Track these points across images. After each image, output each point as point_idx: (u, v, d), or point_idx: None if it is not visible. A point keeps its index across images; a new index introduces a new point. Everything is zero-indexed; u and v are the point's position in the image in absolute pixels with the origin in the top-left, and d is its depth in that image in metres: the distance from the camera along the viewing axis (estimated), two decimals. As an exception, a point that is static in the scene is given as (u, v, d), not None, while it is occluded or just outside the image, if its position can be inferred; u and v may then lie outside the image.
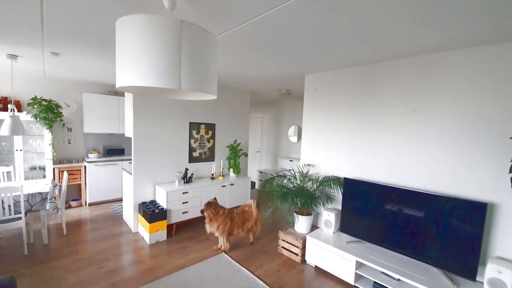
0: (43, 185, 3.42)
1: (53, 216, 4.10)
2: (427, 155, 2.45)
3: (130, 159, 5.07)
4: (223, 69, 3.36)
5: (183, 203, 3.68)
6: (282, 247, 3.19)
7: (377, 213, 2.65)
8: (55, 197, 3.89)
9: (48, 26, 2.15)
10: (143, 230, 3.50)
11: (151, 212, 3.30)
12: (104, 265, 2.82)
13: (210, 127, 4.48)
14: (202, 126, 4.36)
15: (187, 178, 3.99)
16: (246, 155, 4.63)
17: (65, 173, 3.71)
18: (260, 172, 6.59)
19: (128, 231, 3.69)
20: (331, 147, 3.29)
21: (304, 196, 2.88)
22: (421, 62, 2.47)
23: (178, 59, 1.25)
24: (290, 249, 3.09)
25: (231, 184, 4.33)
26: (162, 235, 3.45)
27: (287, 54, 2.64)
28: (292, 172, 3.39)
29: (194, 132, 4.25)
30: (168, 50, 1.23)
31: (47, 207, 3.13)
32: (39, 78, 4.49)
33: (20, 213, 2.89)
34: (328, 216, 2.98)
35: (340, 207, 3.08)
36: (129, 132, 3.85)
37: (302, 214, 3.07)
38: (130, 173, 3.68)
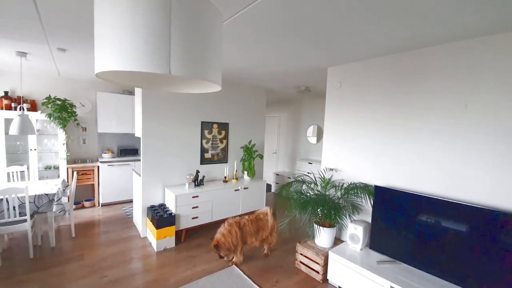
0: (52, 186, 3.32)
1: (66, 217, 4.04)
2: (485, 162, 1.99)
3: (143, 160, 4.94)
4: (234, 63, 3.07)
5: (193, 208, 3.43)
6: (300, 262, 2.83)
7: (418, 229, 2.21)
8: (68, 198, 3.83)
9: (45, 16, 1.98)
10: (151, 235, 3.30)
11: (159, 217, 3.08)
12: (107, 274, 2.62)
13: (223, 126, 4.21)
14: (215, 126, 4.10)
15: (198, 181, 3.75)
16: (261, 157, 4.31)
17: (75, 174, 3.61)
18: (277, 174, 6.24)
19: (137, 236, 3.51)
20: (357, 149, 2.88)
21: (327, 206, 2.50)
22: (477, 46, 2.01)
23: (166, 35, 0.96)
24: (310, 265, 2.72)
25: (245, 188, 4.03)
26: (170, 241, 3.22)
27: (307, 42, 2.28)
28: (312, 176, 3.01)
29: (206, 132, 4.00)
30: (152, 24, 0.94)
31: (54, 209, 3.01)
32: (54, 78, 4.48)
33: (25, 215, 2.78)
34: (355, 230, 2.58)
35: (369, 219, 2.66)
36: (138, 131, 3.68)
37: (323, 226, 2.69)
38: (139, 174, 3.50)
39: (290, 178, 5.81)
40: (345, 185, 2.80)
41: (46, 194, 3.00)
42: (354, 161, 2.91)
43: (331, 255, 2.54)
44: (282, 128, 6.80)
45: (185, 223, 3.38)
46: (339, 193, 2.78)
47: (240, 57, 2.85)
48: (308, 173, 3.17)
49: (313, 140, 5.90)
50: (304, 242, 2.88)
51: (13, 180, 3.66)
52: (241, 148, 4.42)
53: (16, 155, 4.13)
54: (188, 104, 3.75)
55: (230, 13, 1.81)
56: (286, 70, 3.34)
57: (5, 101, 3.86)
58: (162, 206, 3.46)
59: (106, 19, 0.95)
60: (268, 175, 6.64)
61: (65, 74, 4.32)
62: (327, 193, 2.84)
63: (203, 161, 4.01)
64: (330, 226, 2.72)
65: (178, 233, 3.34)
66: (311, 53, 2.63)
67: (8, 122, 3.81)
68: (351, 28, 1.97)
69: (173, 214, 3.21)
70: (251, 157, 4.24)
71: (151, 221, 3.28)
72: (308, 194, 2.85)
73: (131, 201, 4.91)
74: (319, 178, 2.97)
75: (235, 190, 3.91)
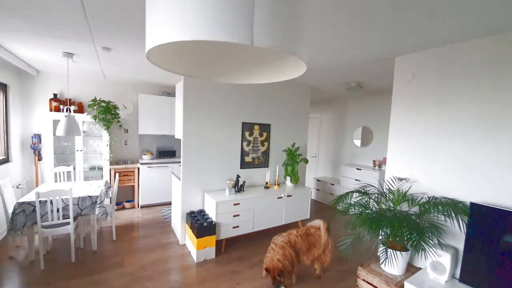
0: (95, 187, 3.29)
1: (108, 219, 4.04)
2: None
3: (180, 162, 4.83)
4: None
5: (234, 216, 3.14)
6: (363, 289, 2.36)
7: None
8: (110, 199, 3.81)
9: (90, 11, 1.84)
10: (190, 244, 3.08)
11: (199, 225, 2.84)
12: (147, 285, 2.43)
13: (265, 128, 3.89)
14: (256, 127, 3.80)
15: (238, 187, 3.46)
16: (306, 161, 3.90)
17: (117, 176, 3.56)
18: (318, 180, 5.74)
19: (175, 243, 3.32)
20: (437, 156, 2.33)
21: (407, 225, 1.99)
22: None
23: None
24: (377, 296, 2.24)
25: (288, 196, 3.65)
26: (211, 252, 2.96)
27: (370, 23, 1.85)
28: (378, 188, 2.53)
29: (247, 133, 3.71)
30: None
31: (96, 212, 2.94)
32: (100, 81, 4.58)
33: (69, 218, 2.73)
34: (440, 257, 2.04)
35: (457, 244, 2.10)
36: (178, 133, 3.52)
37: (393, 248, 2.19)
38: (179, 178, 3.33)
39: (333, 184, 5.28)
40: (423, 200, 2.27)
41: (90, 197, 2.94)
42: (432, 170, 2.36)
43: (408, 286, 2.04)
44: (323, 130, 6.29)
45: (225, 233, 3.10)
46: (414, 209, 2.26)
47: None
48: (368, 184, 2.68)
49: (357, 143, 5.31)
50: (367, 266, 2.40)
51: (60, 181, 3.74)
52: (283, 151, 4.05)
53: (63, 156, 4.27)
54: (229, 103, 3.49)
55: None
56: (338, 62, 2.91)
57: (54, 103, 3.99)
58: (202, 212, 3.23)
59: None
60: (308, 180, 6.16)
61: (110, 77, 4.38)
62: (398, 208, 2.33)
63: (243, 165, 3.72)
64: (402, 249, 2.22)
65: (218, 243, 3.08)
66: (376, 39, 2.18)
67: (56, 123, 3.92)
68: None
69: (213, 223, 2.95)
70: (295, 162, 3.85)
71: (190, 228, 3.06)
72: (375, 209, 2.37)
73: (168, 204, 4.83)
74: (387, 189, 2.47)
75: (278, 198, 3.55)
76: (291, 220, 3.74)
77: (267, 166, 3.97)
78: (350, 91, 4.24)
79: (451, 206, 2.04)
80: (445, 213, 2.03)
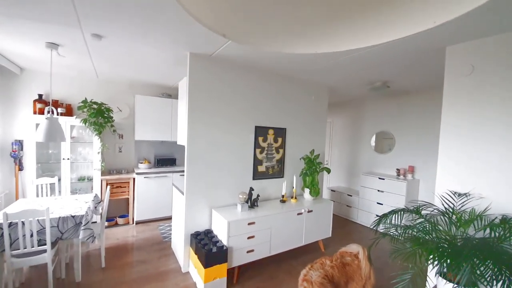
0: (81, 203, 2.75)
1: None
2: None
3: (182, 171, 4.31)
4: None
5: (248, 238, 2.62)
6: (422, 338, 1.83)
7: None
8: (100, 216, 3.26)
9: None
10: (195, 273, 2.53)
11: (208, 251, 2.31)
12: (141, 334, 1.88)
13: (280, 133, 3.40)
14: (270, 132, 3.31)
15: (251, 201, 2.95)
16: (328, 170, 3.40)
17: (108, 188, 3.04)
18: (332, 191, 5.23)
19: (177, 270, 2.77)
20: (505, 165, 1.85)
21: (497, 260, 1.48)
22: None
23: None
24: None
25: (308, 211, 3.13)
26: (221, 284, 2.42)
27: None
28: (441, 205, 2.03)
29: (260, 139, 3.22)
30: None
31: (80, 236, 2.40)
32: (92, 80, 4.09)
33: (46, 244, 2.18)
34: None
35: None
36: (182, 138, 3.03)
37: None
38: (182, 192, 2.81)
39: (351, 195, 4.78)
40: (496, 221, 1.78)
41: (73, 217, 2.40)
42: (501, 183, 1.88)
43: None
44: (335, 135, 5.82)
45: (238, 259, 2.57)
46: (479, 234, 1.76)
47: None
48: (419, 201, 2.18)
49: (376, 150, 4.83)
50: (425, 307, 1.88)
51: (42, 194, 3.20)
52: (301, 159, 3.56)
53: (48, 165, 3.73)
54: (242, 103, 3.01)
55: None
56: (367, 56, 2.45)
57: (38, 105, 3.48)
58: (209, 233, 2.70)
59: None
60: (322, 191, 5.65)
61: (103, 76, 3.89)
62: (460, 231, 1.83)
63: (256, 175, 3.21)
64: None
65: (229, 272, 2.54)
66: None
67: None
68: None
69: (224, 248, 2.42)
70: (315, 171, 3.35)
71: (196, 253, 2.53)
72: (432, 233, 1.87)
73: (168, 219, 4.28)
74: (447, 208, 1.97)
75: (298, 214, 3.03)
76: (312, 239, 3.21)
77: (282, 176, 3.46)
78: (374, 91, 3.79)
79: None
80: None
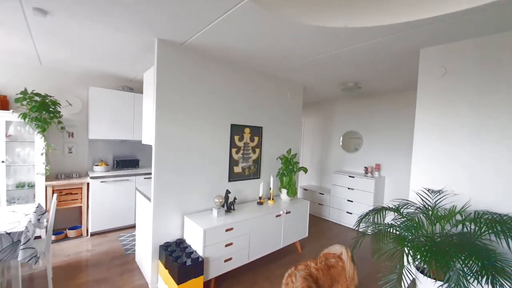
0: (20, 216, 2.25)
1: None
2: None
3: (147, 174, 3.90)
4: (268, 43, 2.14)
5: (226, 245, 2.41)
6: (406, 336, 1.84)
7: None
8: (45, 230, 2.74)
9: None
10: (166, 289, 2.24)
11: (181, 265, 2.05)
12: None
13: (256, 131, 3.25)
14: (247, 130, 3.13)
15: (228, 205, 2.74)
16: (305, 170, 3.34)
17: (54, 196, 2.55)
18: (305, 189, 5.26)
19: (144, 287, 2.44)
20: (479, 162, 1.97)
21: (471, 253, 1.52)
22: None
23: None
24: None
25: (287, 212, 3.04)
26: (196, 299, 2.18)
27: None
28: (421, 202, 2.06)
29: (236, 138, 3.02)
30: None
31: (19, 257, 1.94)
32: (35, 68, 3.45)
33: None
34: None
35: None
36: (148, 137, 2.68)
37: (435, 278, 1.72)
38: (148, 198, 2.47)
39: (323, 194, 4.85)
40: (470, 216, 1.86)
41: (8, 234, 1.93)
42: (471, 180, 1.99)
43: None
44: (306, 135, 5.88)
45: (216, 270, 2.34)
46: (467, 229, 1.84)
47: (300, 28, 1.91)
48: (397, 200, 2.22)
49: (345, 149, 4.99)
50: (408, 305, 1.89)
51: (-36, 207, 2.56)
52: (277, 159, 3.45)
53: (-28, 170, 3.02)
54: (216, 100, 2.77)
55: None
56: (344, 55, 2.44)
57: (-42, 95, 2.79)
58: (181, 243, 2.43)
59: None
60: (291, 189, 5.65)
61: (49, 63, 3.30)
62: (442, 229, 1.89)
63: (232, 176, 3.01)
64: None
65: (205, 284, 2.30)
66: (398, 27, 1.74)
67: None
68: None
69: (200, 259, 2.18)
70: (292, 171, 3.27)
71: (166, 268, 2.23)
72: (412, 231, 1.89)
73: (130, 228, 3.82)
74: (424, 205, 2.02)
75: (277, 216, 2.92)
76: (290, 241, 3.13)
77: (259, 177, 3.31)
78: (346, 91, 3.86)
79: (506, 223, 1.65)
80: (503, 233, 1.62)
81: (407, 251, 1.69)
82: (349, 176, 4.42)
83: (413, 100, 4.00)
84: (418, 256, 1.64)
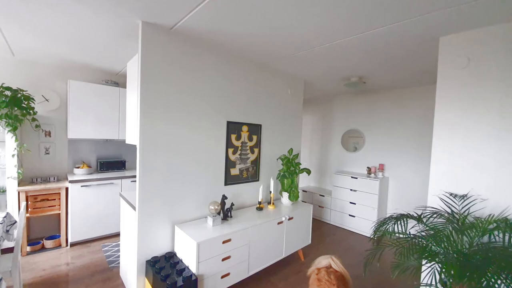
0: (-23, 230, 1.90)
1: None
2: None
3: (134, 176, 3.56)
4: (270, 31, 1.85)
5: (223, 260, 2.12)
6: None
7: None
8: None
9: None
10: (153, 312, 1.93)
11: (170, 286, 1.75)
12: None
13: (255, 129, 2.96)
14: (244, 128, 2.84)
15: (224, 212, 2.45)
16: (309, 172, 3.07)
17: (23, 205, 2.20)
18: (304, 191, 5.00)
19: (128, 308, 2.12)
20: (503, 165, 1.73)
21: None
22: None
23: None
24: None
25: (289, 219, 2.76)
26: (189, 324, 1.88)
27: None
28: (443, 209, 1.81)
29: (233, 137, 2.72)
30: None
31: (-28, 282, 1.60)
32: (6, 60, 3.06)
33: None
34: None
35: None
36: (131, 137, 2.35)
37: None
38: (133, 207, 2.15)
39: (323, 195, 4.60)
40: (502, 225, 1.62)
41: (-44, 254, 1.59)
42: (498, 183, 1.76)
43: None
44: (305, 133, 5.62)
45: (211, 287, 2.05)
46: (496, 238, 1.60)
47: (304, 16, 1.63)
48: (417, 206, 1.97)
49: (346, 148, 4.75)
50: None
51: None
52: (278, 159, 3.17)
53: None
54: (210, 94, 2.46)
55: None
56: (350, 43, 2.18)
57: None
58: (171, 258, 2.12)
59: None
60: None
61: (22, 53, 2.92)
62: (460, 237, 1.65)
63: (229, 179, 2.71)
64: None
65: (199, 305, 2.01)
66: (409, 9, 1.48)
67: None
68: None
69: (194, 278, 1.88)
70: (294, 173, 3.00)
71: (153, 287, 1.93)
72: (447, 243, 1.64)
73: (115, 236, 3.48)
74: (448, 213, 1.77)
75: (279, 223, 2.64)
76: (292, 249, 2.86)
77: (258, 180, 3.03)
78: (349, 87, 3.60)
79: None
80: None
81: (439, 268, 1.43)
82: (352, 177, 4.18)
83: (420, 96, 3.79)
84: (452, 273, 1.39)
